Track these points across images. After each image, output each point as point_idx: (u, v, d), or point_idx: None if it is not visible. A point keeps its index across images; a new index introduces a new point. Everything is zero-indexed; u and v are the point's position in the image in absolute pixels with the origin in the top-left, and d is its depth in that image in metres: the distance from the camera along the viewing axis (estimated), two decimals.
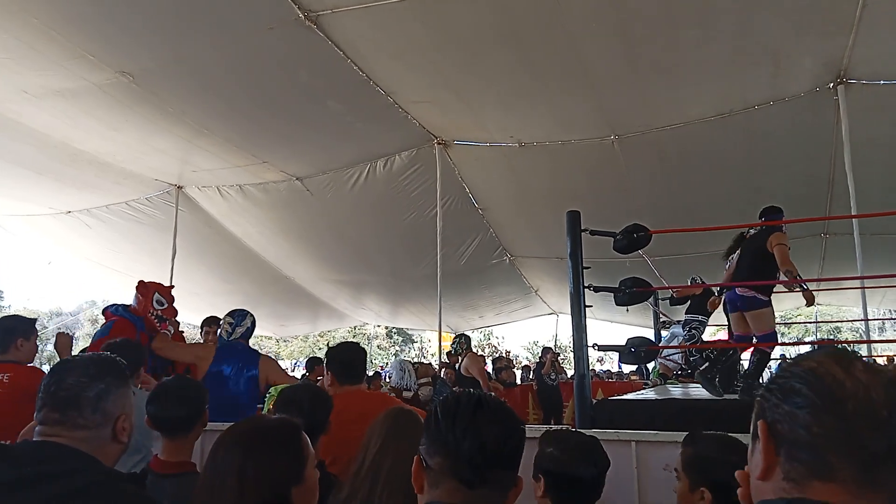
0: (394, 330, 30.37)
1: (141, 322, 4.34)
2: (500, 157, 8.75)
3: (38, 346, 3.73)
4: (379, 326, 26.27)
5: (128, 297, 4.55)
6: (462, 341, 7.18)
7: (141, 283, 4.31)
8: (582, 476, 1.94)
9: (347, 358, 2.92)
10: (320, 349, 27.36)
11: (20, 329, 3.55)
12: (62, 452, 1.37)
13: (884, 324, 18.13)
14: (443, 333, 9.34)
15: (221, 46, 6.00)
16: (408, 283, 12.57)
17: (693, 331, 7.42)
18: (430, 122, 8.14)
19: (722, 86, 6.96)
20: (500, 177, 9.36)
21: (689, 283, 7.56)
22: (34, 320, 3.89)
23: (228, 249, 11.32)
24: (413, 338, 33.52)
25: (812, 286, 11.96)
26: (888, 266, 8.32)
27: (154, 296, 4.19)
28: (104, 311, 4.54)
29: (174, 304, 4.37)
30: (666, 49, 6.31)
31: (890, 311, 13.93)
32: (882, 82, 6.84)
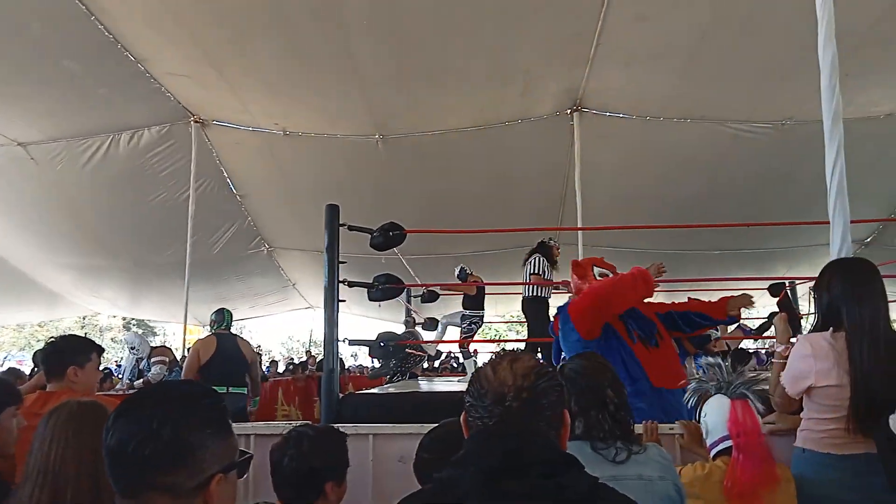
0: (132, 321, 27.55)
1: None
2: (263, 143, 8.43)
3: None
4: (115, 317, 23.77)
5: None
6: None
7: (575, 262, 3.58)
8: (275, 463, 1.98)
9: (45, 353, 2.67)
10: (39, 341, 23.92)
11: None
12: None
13: None
14: (189, 326, 8.70)
15: None
16: (151, 270, 11.53)
17: (472, 325, 7.64)
18: (187, 97, 7.56)
19: (480, 99, 7.46)
20: (262, 163, 9.01)
21: (456, 273, 7.78)
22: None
23: None
24: (155, 330, 30.80)
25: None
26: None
27: (593, 270, 3.39)
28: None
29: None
30: (434, 56, 6.58)
31: None
32: (608, 114, 7.88)
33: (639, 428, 2.54)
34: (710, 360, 2.29)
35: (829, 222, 2.88)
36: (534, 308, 6.06)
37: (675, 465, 2.33)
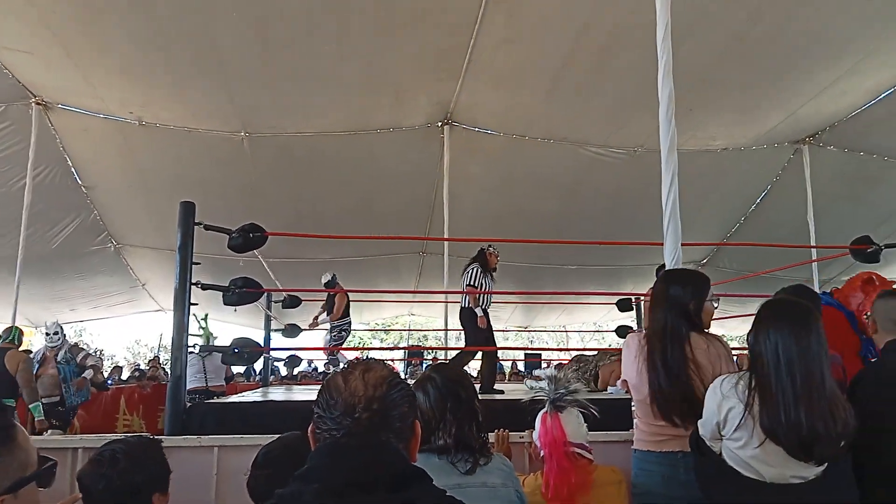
0: None
1: (853, 317, 3.58)
2: (116, 133, 7.85)
3: None
4: None
5: None
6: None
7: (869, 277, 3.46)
8: (89, 488, 1.84)
9: None
10: None
11: None
12: None
13: (459, 333, 21.59)
14: (20, 327, 7.92)
15: None
16: None
17: (342, 332, 7.66)
18: (28, 77, 6.92)
19: (351, 104, 7.41)
20: (113, 154, 8.37)
21: (326, 281, 7.69)
22: None
23: None
24: None
25: (408, 297, 13.45)
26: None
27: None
28: None
29: None
30: (304, 57, 6.45)
31: None
32: (477, 129, 8.12)
33: (491, 436, 2.61)
34: (545, 373, 2.41)
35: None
36: (467, 318, 5.93)
37: (524, 472, 2.42)
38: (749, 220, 10.43)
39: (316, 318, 7.98)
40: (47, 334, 7.12)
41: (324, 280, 7.72)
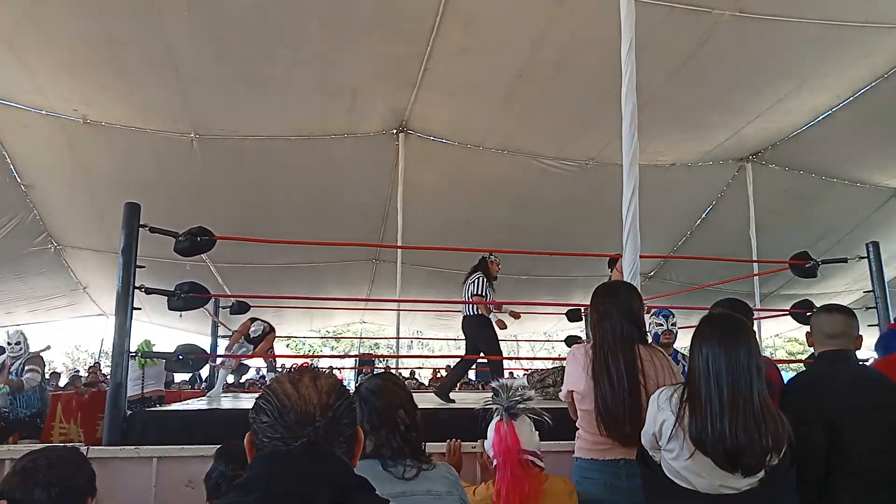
0: None
1: None
2: (59, 130, 7.58)
3: None
4: None
5: None
6: None
7: None
8: (21, 501, 1.76)
9: None
10: None
11: None
12: None
13: (411, 342, 21.49)
14: None
15: None
16: None
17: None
18: None
19: (306, 109, 7.33)
20: (56, 152, 8.08)
21: (255, 336, 7.48)
22: None
23: None
24: None
25: (360, 305, 13.35)
26: (419, 293, 9.82)
27: None
28: None
29: None
30: (258, 60, 6.37)
31: (417, 331, 16.46)
32: (432, 138, 8.14)
33: (443, 446, 2.60)
34: (500, 382, 2.41)
35: (613, 255, 3.17)
36: (476, 326, 5.82)
37: (475, 482, 2.42)
38: (695, 234, 10.71)
39: (230, 346, 7.56)
40: (9, 344, 6.81)
41: (257, 332, 7.35)
